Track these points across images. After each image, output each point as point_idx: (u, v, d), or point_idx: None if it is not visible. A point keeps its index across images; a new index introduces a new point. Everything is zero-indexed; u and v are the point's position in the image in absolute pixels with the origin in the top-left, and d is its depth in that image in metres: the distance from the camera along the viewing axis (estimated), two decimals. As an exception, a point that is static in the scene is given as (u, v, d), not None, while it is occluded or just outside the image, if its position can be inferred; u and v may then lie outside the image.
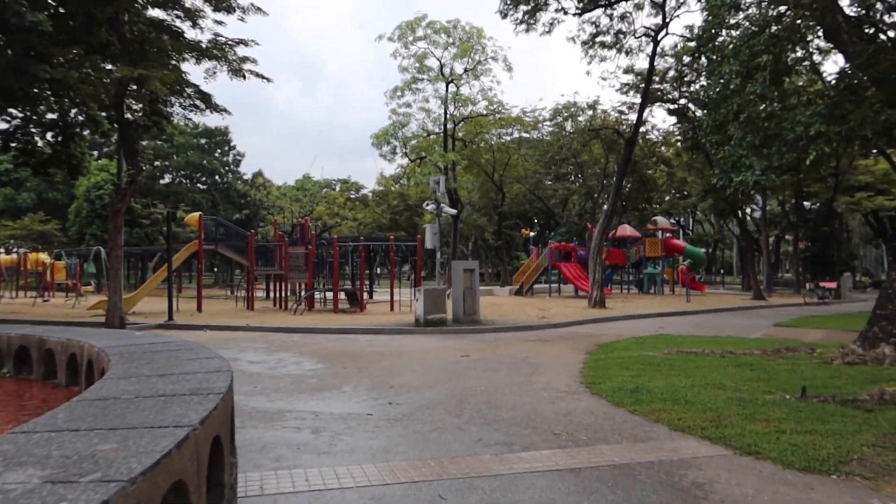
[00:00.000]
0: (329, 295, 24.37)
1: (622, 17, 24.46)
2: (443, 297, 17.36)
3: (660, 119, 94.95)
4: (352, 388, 8.47)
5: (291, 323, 18.07)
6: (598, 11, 24.26)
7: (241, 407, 7.22)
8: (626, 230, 38.85)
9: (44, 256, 34.38)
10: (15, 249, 45.70)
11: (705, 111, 10.41)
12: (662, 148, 37.82)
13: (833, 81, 9.13)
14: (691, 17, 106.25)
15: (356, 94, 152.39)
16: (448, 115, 32.96)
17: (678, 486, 4.72)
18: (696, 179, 41.60)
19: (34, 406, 5.17)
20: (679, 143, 36.21)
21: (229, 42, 14.40)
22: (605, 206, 27.20)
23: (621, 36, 25.11)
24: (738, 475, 4.93)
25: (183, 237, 44.46)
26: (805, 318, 21.23)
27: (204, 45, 14.47)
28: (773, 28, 7.87)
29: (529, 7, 22.53)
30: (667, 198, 50.71)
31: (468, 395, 7.93)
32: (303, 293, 24.64)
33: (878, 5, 11.34)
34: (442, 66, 32.34)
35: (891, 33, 11.37)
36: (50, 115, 18.73)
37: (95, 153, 51.13)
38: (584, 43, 24.82)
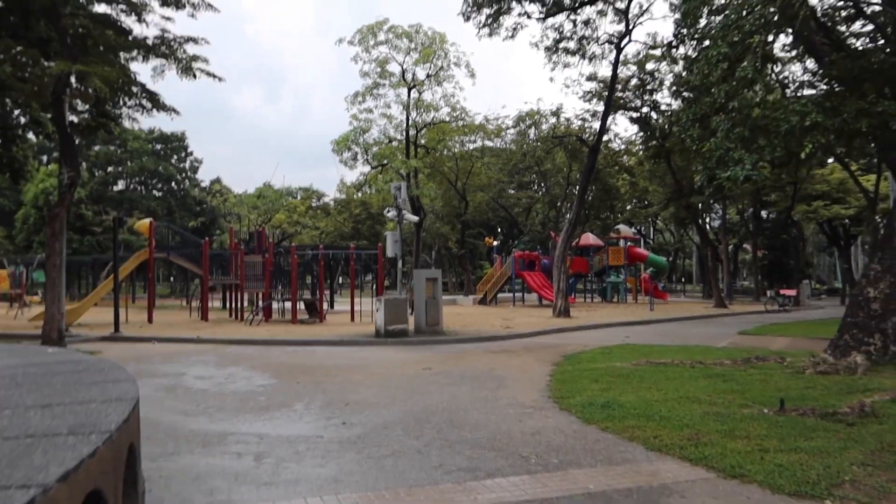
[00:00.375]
0: (288, 305, 23.57)
1: (586, 23, 24.30)
2: (404, 306, 16.77)
3: (622, 128, 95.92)
4: (304, 407, 7.84)
5: (246, 335, 17.28)
6: (562, 17, 24.09)
7: (179, 429, 6.55)
8: (589, 239, 38.77)
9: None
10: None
11: (682, 104, 10.01)
12: (625, 157, 37.92)
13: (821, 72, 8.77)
14: (654, 24, 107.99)
15: (319, 102, 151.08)
16: (410, 122, 32.37)
17: (661, 517, 4.24)
18: (657, 188, 41.87)
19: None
20: (641, 152, 36.34)
21: (178, 39, 13.65)
22: (569, 215, 26.97)
23: (585, 42, 24.94)
24: (725, 502, 4.48)
25: (137, 245, 42.98)
26: (768, 325, 21.21)
27: (151, 42, 13.69)
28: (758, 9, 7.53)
29: (492, 10, 22.19)
30: (628, 207, 50.99)
31: (429, 413, 7.37)
32: (260, 303, 23.79)
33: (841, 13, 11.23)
34: (404, 72, 31.79)
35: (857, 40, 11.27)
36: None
37: (45, 157, 49.25)
38: (547, 49, 24.58)
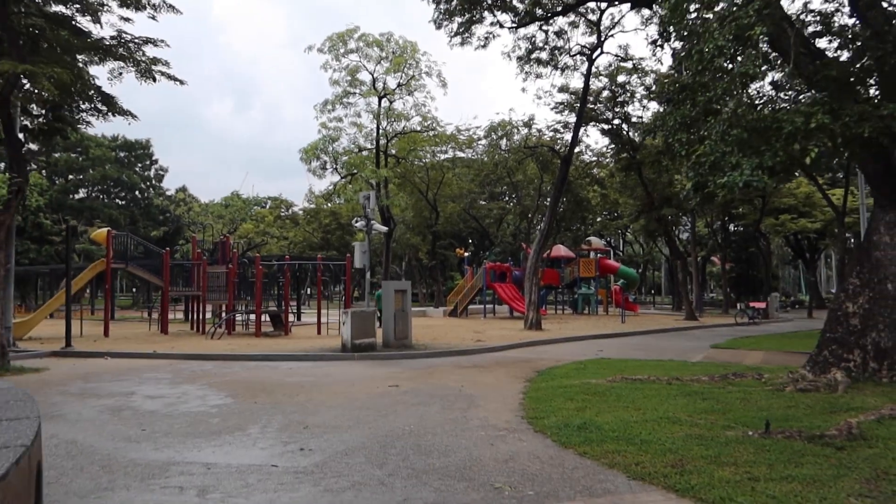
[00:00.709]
0: (252, 317, 22.84)
1: (558, 34, 24.14)
2: (372, 319, 16.23)
3: (593, 140, 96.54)
4: (259, 430, 7.27)
5: (206, 349, 16.56)
6: (534, 27, 23.88)
7: (117, 459, 5.95)
8: (560, 250, 38.63)
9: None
10: None
11: (667, 107, 9.51)
12: (595, 169, 37.92)
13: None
14: (626, 37, 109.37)
15: (290, 114, 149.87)
16: (381, 131, 32.00)
17: (650, 562, 3.80)
18: (627, 200, 41.96)
19: None
20: (612, 164, 36.33)
21: (135, 40, 13.01)
22: (541, 226, 26.68)
23: (557, 53, 24.78)
24: (718, 543, 4.06)
25: (97, 255, 41.68)
26: (740, 338, 21.09)
27: (108, 43, 13.02)
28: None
29: (464, 19, 21.88)
30: (598, 219, 51.09)
31: (395, 437, 6.87)
32: (223, 315, 23.02)
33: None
34: (375, 80, 31.44)
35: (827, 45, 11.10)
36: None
37: (1, 165, 47.62)
38: (519, 58, 24.37)
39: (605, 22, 24.87)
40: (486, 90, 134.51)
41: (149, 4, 14.04)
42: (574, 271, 38.94)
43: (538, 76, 25.54)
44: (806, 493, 4.83)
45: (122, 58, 13.66)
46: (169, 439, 6.77)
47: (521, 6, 22.71)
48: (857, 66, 9.12)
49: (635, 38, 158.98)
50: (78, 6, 13.19)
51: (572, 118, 29.27)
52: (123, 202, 52.68)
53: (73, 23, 13.62)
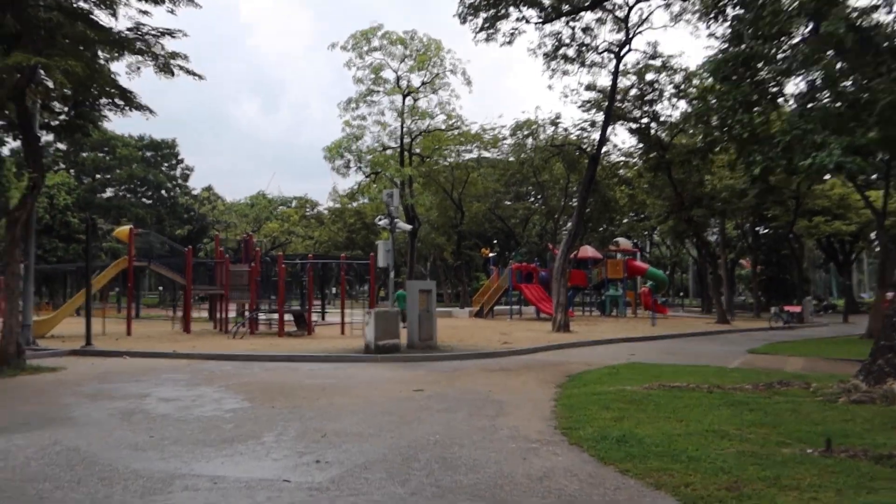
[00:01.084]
0: (276, 317, 22.51)
1: (585, 31, 23.55)
2: (396, 320, 15.75)
3: (620, 140, 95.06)
4: (274, 438, 6.83)
5: (227, 349, 16.24)
6: (560, 23, 23.33)
7: (119, 470, 5.53)
8: (587, 251, 37.84)
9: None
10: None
11: (721, 82, 8.67)
12: (622, 170, 37.12)
13: None
14: (654, 34, 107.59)
15: (316, 114, 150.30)
16: (405, 129, 31.57)
17: None
18: (655, 201, 41.06)
19: None
20: (641, 164, 35.47)
21: (153, 32, 12.69)
22: (569, 225, 26.04)
23: (584, 50, 24.17)
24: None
25: (124, 253, 41.83)
26: (776, 343, 20.28)
27: (125, 35, 12.70)
28: None
29: (489, 14, 21.36)
30: (625, 220, 50.19)
31: (418, 449, 6.37)
32: (247, 314, 22.74)
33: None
34: (399, 78, 31.04)
35: None
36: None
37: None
38: (546, 55, 23.84)
39: (633, 18, 24.27)
40: (512, 89, 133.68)
41: (166, -3, 13.73)
42: (601, 272, 38.15)
43: (565, 73, 24.98)
44: (886, 524, 4.24)
45: (139, 51, 13.34)
46: (177, 448, 6.34)
47: (547, 1, 22.15)
48: None
49: (664, 35, 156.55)
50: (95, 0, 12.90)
51: (599, 117, 28.60)
52: (150, 201, 52.97)
53: (90, 16, 13.32)
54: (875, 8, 8.29)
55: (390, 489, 5.09)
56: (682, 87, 28.88)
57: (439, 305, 26.07)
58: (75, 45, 13.01)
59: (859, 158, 6.88)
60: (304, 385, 10.73)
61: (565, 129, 32.38)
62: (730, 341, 21.42)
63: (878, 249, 45.47)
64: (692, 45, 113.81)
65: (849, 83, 7.41)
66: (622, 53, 24.65)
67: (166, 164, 55.05)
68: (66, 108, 16.48)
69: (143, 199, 53.12)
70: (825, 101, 6.75)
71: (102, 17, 13.11)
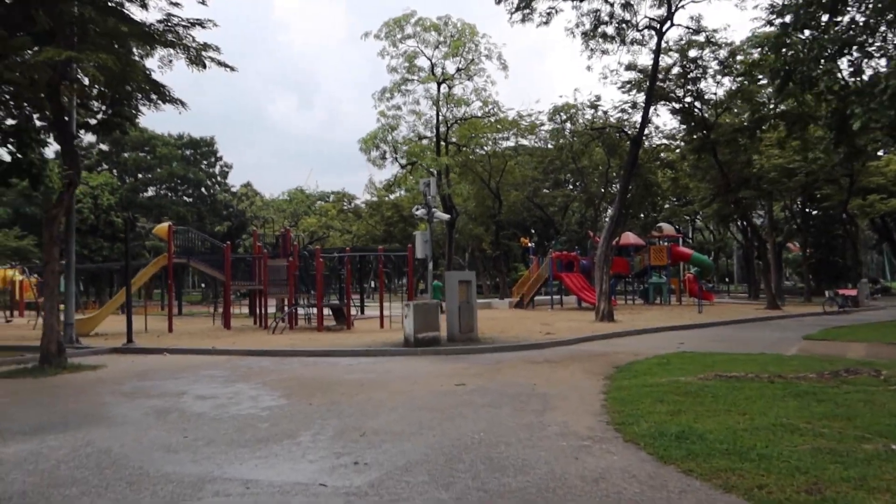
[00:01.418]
0: (315, 311, 22.39)
1: (625, 6, 22.66)
2: (436, 312, 15.40)
3: (661, 122, 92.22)
4: (311, 437, 6.51)
5: (266, 345, 16.10)
6: (599, 0, 22.54)
7: (149, 473, 5.27)
8: (629, 238, 36.93)
9: (11, 273, 32.20)
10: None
11: (800, 30, 7.92)
12: (663, 154, 36.07)
13: None
14: (697, 8, 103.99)
15: (352, 108, 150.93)
16: (440, 118, 31.11)
17: None
18: (699, 184, 39.87)
19: None
20: (684, 146, 34.39)
21: (183, 23, 12.51)
22: (610, 211, 25.31)
23: (624, 27, 23.33)
24: None
25: (165, 251, 42.44)
26: (833, 328, 19.31)
27: (155, 27, 12.56)
28: None
29: (525, -8, 20.77)
30: (667, 205, 48.95)
31: (462, 448, 5.98)
32: (285, 309, 22.67)
33: None
34: (433, 66, 30.58)
35: None
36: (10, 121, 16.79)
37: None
38: (584, 34, 23.07)
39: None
40: (548, 73, 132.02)
41: (198, -12, 13.55)
42: (644, 259, 37.20)
43: (604, 52, 24.14)
44: None
45: (170, 44, 13.19)
46: (210, 449, 6.07)
47: (584, -22, 21.45)
48: None
49: (708, 8, 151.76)
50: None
51: (640, 97, 27.74)
52: (190, 199, 53.71)
53: (122, 10, 13.20)
54: None
55: (433, 494, 4.71)
56: (728, 62, 27.79)
57: (478, 297, 25.68)
58: (108, 40, 12.92)
59: None
60: (343, 380, 10.45)
61: (605, 112, 31.57)
62: (782, 327, 20.53)
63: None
64: (738, 17, 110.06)
65: None
66: (664, 29, 23.74)
67: (205, 162, 55.71)
68: (103, 107, 16.54)
69: (184, 197, 53.88)
70: None
71: (134, 10, 13.00)
